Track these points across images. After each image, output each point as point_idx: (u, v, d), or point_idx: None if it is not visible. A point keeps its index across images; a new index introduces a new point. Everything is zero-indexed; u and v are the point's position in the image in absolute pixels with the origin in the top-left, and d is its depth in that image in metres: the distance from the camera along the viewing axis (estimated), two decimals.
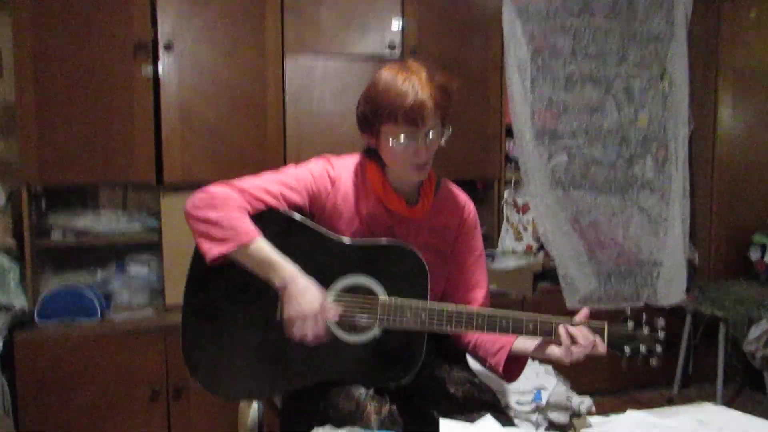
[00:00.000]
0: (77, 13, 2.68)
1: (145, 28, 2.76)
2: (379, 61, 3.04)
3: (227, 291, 1.58)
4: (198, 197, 1.54)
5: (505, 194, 3.38)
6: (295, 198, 1.60)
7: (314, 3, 2.98)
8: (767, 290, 3.27)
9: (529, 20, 3.25)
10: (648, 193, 3.47)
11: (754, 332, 3.08)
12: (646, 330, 1.53)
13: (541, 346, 1.55)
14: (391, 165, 1.61)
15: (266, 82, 2.96)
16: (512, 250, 3.35)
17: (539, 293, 3.31)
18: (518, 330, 1.51)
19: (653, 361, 1.53)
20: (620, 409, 3.14)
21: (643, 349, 1.52)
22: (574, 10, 3.31)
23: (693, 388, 3.56)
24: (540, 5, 3.25)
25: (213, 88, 2.88)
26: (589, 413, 2.40)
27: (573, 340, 1.48)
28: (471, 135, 3.27)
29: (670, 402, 3.38)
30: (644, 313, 1.58)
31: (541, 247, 3.37)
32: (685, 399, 3.43)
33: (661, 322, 1.55)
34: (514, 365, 1.62)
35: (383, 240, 1.59)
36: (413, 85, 1.51)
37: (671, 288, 3.36)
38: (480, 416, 1.50)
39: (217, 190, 1.54)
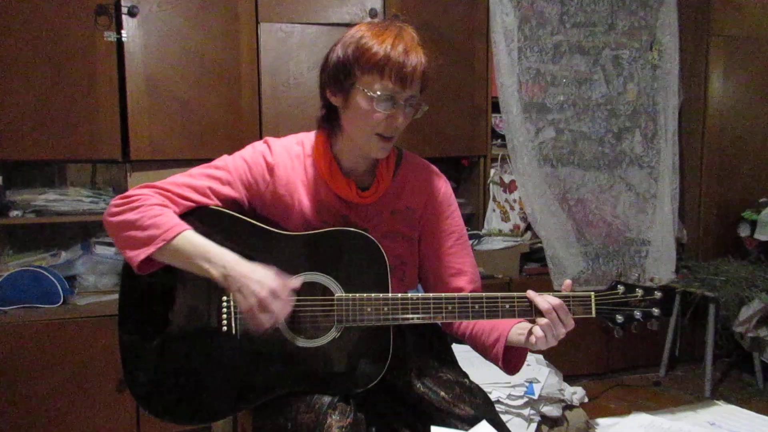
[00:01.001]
0: None
1: None
2: None
3: (165, 306, 1.40)
4: (114, 203, 1.37)
5: (492, 172, 3.24)
6: (229, 192, 1.42)
7: None
8: (758, 269, 3.20)
9: None
10: (636, 169, 3.37)
11: (745, 313, 3.01)
12: (639, 292, 1.36)
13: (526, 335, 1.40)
14: (356, 133, 1.41)
15: (240, 51, 2.78)
16: (499, 231, 3.23)
17: (526, 275, 3.19)
18: (494, 313, 1.36)
19: (651, 325, 1.37)
20: (609, 395, 3.10)
21: (637, 314, 1.36)
22: None
23: (680, 370, 3.49)
24: None
25: (182, 56, 2.70)
26: (581, 403, 2.31)
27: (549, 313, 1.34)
28: (456, 108, 3.12)
29: (657, 385, 3.31)
30: (637, 274, 1.44)
31: (529, 227, 3.25)
32: (673, 381, 3.36)
33: (656, 280, 1.41)
34: (513, 356, 1.47)
35: (331, 228, 1.41)
36: (406, 42, 1.35)
37: (660, 268, 3.26)
38: (470, 423, 1.36)
39: (135, 192, 1.38)
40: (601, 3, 3.24)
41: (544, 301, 1.34)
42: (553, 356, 2.28)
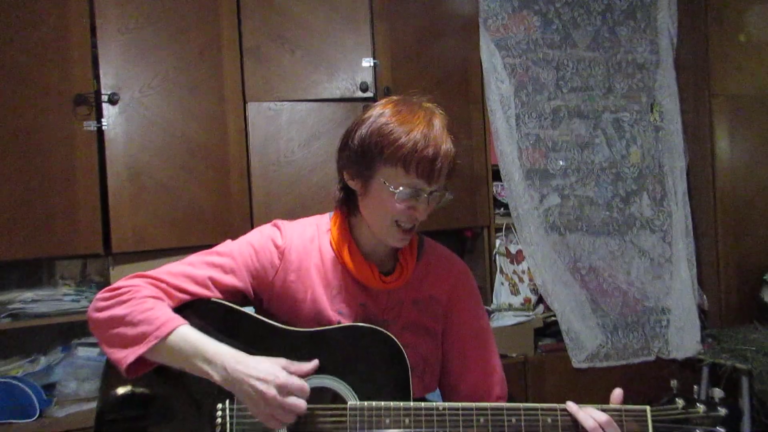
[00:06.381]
0: (7, 64, 2.35)
1: (86, 78, 2.44)
2: (352, 103, 2.76)
3: (150, 418, 1.21)
4: (101, 296, 1.22)
5: (497, 243, 3.08)
6: (232, 281, 1.27)
7: (276, 46, 2.70)
8: None
9: (509, 53, 3.04)
10: (648, 233, 3.22)
11: None
12: (701, 408, 1.20)
13: None
14: (373, 221, 1.30)
15: (227, 132, 2.66)
16: (509, 305, 3.04)
17: (541, 352, 2.98)
18: (533, 428, 1.19)
19: None
20: None
21: None
22: (555, 41, 3.11)
23: None
24: (519, 36, 3.05)
25: (166, 142, 2.56)
26: None
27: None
28: (456, 179, 2.96)
29: None
30: (696, 386, 1.27)
31: (540, 300, 3.06)
32: None
33: (718, 392, 1.22)
34: None
35: (342, 325, 1.26)
36: (436, 131, 1.25)
37: (684, 337, 3.07)
38: None
39: (124, 283, 1.23)
40: (597, 67, 3.17)
41: (588, 417, 1.16)
42: None
